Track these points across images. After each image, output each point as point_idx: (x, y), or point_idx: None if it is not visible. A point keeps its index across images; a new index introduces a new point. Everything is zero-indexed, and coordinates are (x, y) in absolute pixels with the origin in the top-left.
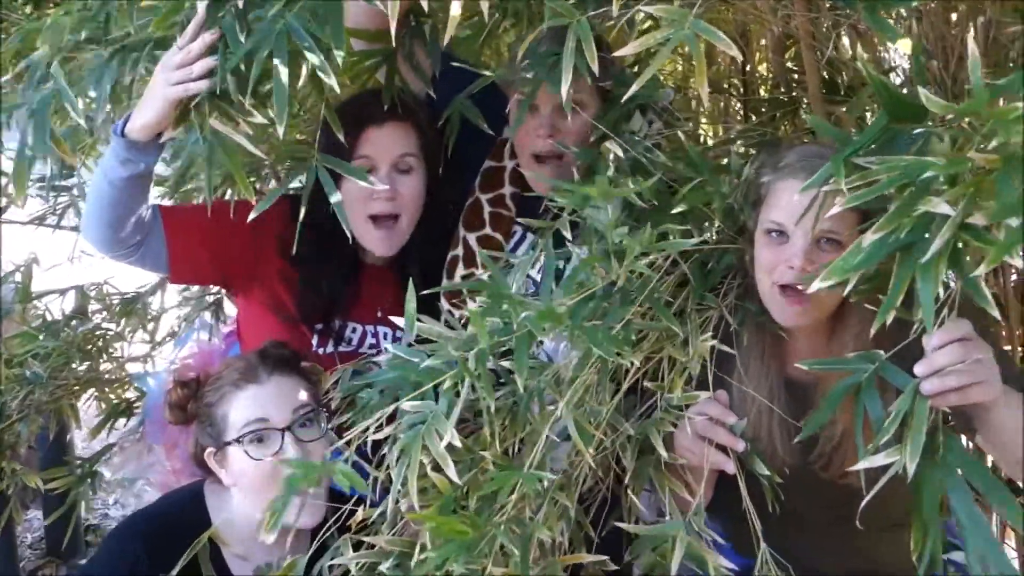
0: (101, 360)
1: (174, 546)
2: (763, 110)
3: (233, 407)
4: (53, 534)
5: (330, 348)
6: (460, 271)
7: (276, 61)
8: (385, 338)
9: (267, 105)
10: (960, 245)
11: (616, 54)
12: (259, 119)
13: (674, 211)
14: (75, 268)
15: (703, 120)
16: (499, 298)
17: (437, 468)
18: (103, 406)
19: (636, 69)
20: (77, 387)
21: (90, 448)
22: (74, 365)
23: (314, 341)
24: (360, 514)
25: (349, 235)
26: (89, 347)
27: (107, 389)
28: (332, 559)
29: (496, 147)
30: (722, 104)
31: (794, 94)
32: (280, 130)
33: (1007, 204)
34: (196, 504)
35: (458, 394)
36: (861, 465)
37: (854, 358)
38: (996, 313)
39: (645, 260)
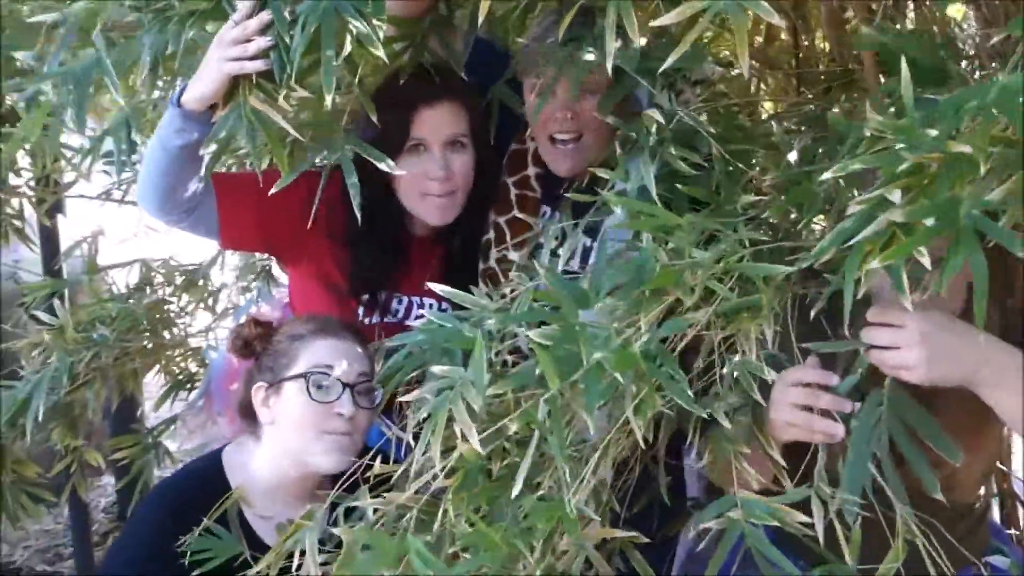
0: (165, 333)
1: (199, 514)
2: (809, 82)
3: (307, 349)
4: (124, 499)
5: (376, 319)
6: (493, 254)
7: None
8: (431, 309)
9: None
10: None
11: (655, 23)
12: (303, 93)
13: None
14: (141, 242)
15: (751, 95)
16: (569, 331)
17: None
18: (167, 378)
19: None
20: (141, 356)
21: (155, 419)
22: (140, 332)
23: (360, 312)
24: (377, 467)
25: (359, 217)
26: (154, 319)
27: (170, 361)
28: (351, 503)
29: (520, 130)
30: (769, 80)
31: (849, 67)
32: (328, 100)
33: (935, 204)
34: (216, 471)
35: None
36: None
37: None
38: (907, 304)
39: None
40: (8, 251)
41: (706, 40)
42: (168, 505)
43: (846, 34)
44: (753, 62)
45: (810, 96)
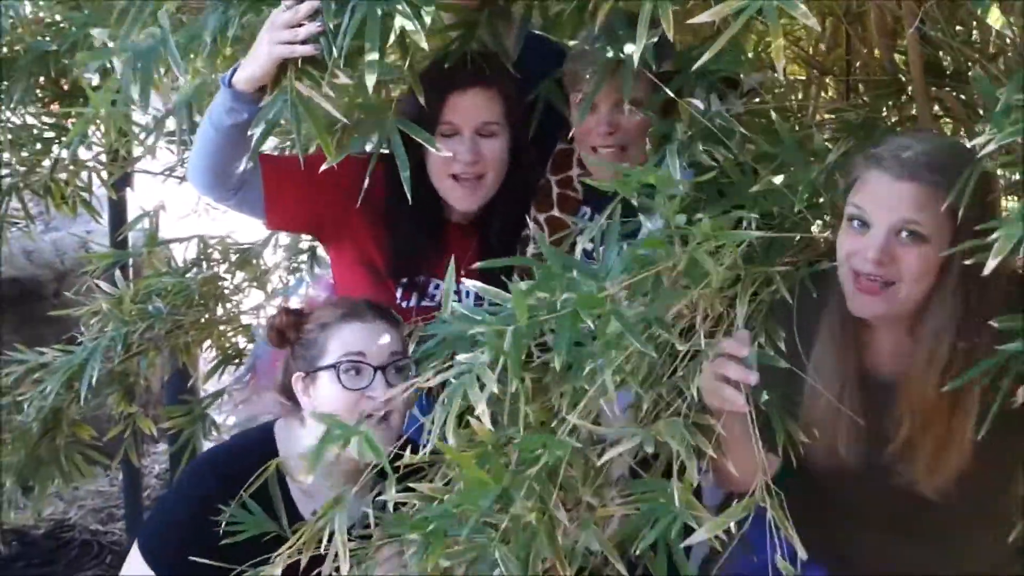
0: (218, 309)
1: (245, 480)
2: (861, 91)
3: (335, 336)
4: (177, 466)
5: (413, 302)
6: (530, 249)
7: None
8: (468, 296)
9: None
10: None
11: (692, 21)
12: (344, 79)
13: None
14: (200, 219)
15: (792, 100)
16: (549, 276)
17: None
18: (218, 352)
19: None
20: (194, 330)
21: (205, 392)
22: (194, 306)
23: (398, 294)
24: (407, 457)
25: (409, 198)
26: (208, 295)
27: (221, 336)
28: (375, 497)
29: (566, 129)
30: (813, 87)
31: (899, 76)
32: (370, 86)
33: None
34: (266, 441)
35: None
36: None
37: None
38: None
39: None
40: (81, 222)
41: (759, 46)
42: (217, 472)
43: (897, 42)
44: (812, 70)
45: (859, 103)
